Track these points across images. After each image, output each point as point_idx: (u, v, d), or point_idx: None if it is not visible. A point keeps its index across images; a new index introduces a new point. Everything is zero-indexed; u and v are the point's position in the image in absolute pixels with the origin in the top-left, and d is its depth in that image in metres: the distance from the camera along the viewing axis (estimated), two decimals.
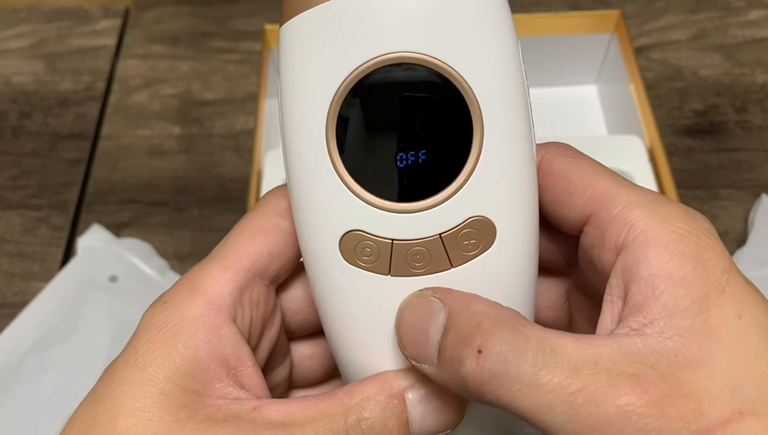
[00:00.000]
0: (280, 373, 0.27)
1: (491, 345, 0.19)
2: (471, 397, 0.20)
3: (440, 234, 0.21)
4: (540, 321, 0.28)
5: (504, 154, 0.21)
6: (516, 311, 0.21)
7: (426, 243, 0.21)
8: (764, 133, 0.59)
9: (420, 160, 0.21)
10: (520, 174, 0.22)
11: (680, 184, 0.55)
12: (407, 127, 0.20)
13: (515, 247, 0.22)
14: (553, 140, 0.24)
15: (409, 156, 0.21)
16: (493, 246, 0.22)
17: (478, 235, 0.21)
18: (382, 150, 0.21)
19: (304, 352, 0.28)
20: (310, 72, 0.20)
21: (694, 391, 0.18)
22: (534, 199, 0.22)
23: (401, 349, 0.22)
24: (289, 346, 0.27)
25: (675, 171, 0.50)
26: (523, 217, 0.22)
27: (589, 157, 0.23)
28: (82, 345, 0.48)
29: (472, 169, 0.21)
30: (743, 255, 0.50)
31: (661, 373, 0.18)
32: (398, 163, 0.21)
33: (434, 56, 0.20)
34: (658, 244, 0.20)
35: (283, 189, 0.24)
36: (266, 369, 0.25)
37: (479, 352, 0.19)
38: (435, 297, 0.21)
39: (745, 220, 0.54)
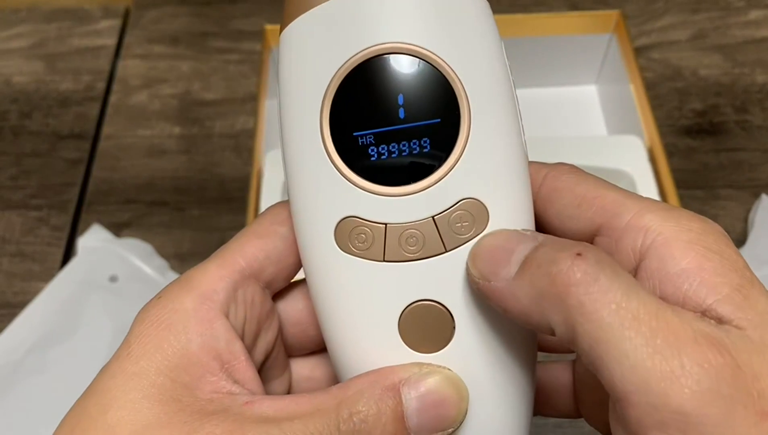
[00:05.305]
0: (278, 387, 0.27)
1: (591, 252, 0.19)
2: (545, 303, 0.19)
3: (433, 216, 0.22)
4: (546, 409, 0.28)
5: (491, 138, 0.22)
6: None
7: (419, 225, 0.22)
8: (764, 133, 0.59)
9: (412, 145, 0.21)
10: (508, 157, 0.22)
11: (680, 184, 0.55)
12: (398, 113, 0.21)
13: None
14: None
15: (401, 141, 0.21)
16: (485, 229, 0.22)
17: (470, 217, 0.22)
18: (374, 136, 0.22)
19: (303, 373, 0.28)
20: (306, 64, 0.22)
21: (763, 373, 0.17)
22: (526, 185, 0.23)
23: (468, 268, 0.21)
24: (288, 361, 0.27)
25: (675, 171, 0.50)
26: (515, 200, 0.22)
27: (594, 175, 0.23)
28: (82, 345, 0.48)
29: (462, 151, 0.21)
30: (743, 255, 0.50)
31: (730, 349, 0.18)
32: (390, 148, 0.22)
33: (422, 46, 0.21)
34: (680, 242, 0.20)
35: (285, 202, 0.24)
36: (264, 380, 0.25)
37: (578, 254, 0.19)
38: (527, 231, 0.21)
39: (745, 220, 0.54)
